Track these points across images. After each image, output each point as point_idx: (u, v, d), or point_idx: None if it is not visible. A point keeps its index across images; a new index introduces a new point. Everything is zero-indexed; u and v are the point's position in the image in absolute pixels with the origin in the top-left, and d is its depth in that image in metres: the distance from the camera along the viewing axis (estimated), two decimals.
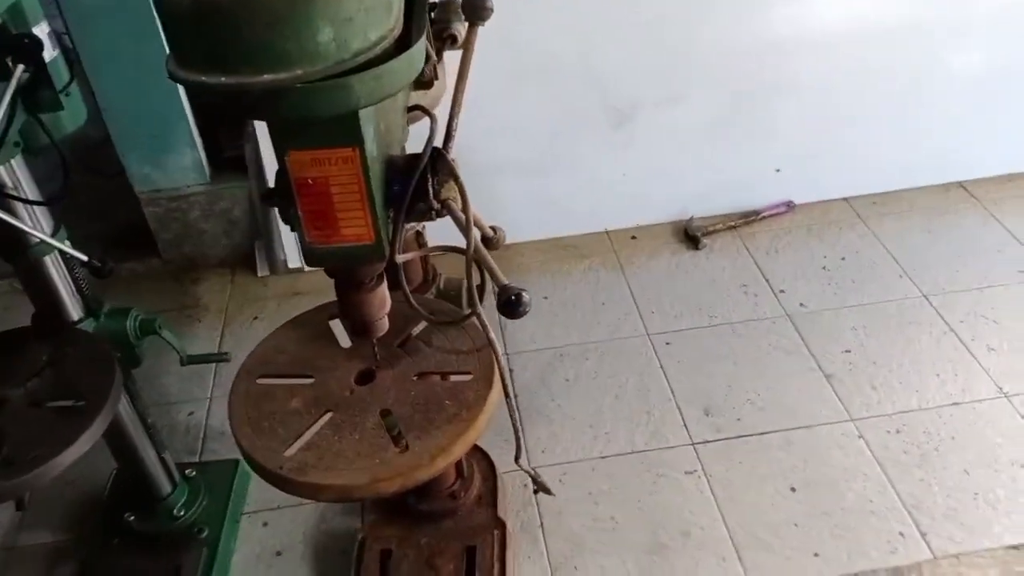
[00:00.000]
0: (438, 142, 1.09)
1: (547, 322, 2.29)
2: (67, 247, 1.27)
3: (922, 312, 2.23)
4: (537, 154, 2.42)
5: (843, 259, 2.43)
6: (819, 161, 2.56)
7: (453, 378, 1.23)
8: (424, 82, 1.34)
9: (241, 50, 0.82)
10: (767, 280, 2.38)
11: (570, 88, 2.32)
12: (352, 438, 1.16)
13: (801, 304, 2.29)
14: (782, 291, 2.33)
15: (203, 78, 0.84)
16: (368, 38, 0.87)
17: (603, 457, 1.93)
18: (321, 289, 2.45)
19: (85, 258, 1.28)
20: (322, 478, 1.11)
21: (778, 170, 2.56)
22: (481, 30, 2.22)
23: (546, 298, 2.37)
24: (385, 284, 1.14)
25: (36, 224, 1.38)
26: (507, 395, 1.14)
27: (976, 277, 2.32)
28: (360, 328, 1.15)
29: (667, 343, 2.21)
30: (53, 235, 1.40)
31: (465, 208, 1.04)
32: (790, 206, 2.60)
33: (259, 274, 2.53)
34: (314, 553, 1.79)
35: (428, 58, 1.19)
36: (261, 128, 2.28)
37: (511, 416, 1.17)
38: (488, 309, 1.53)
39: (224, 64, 0.83)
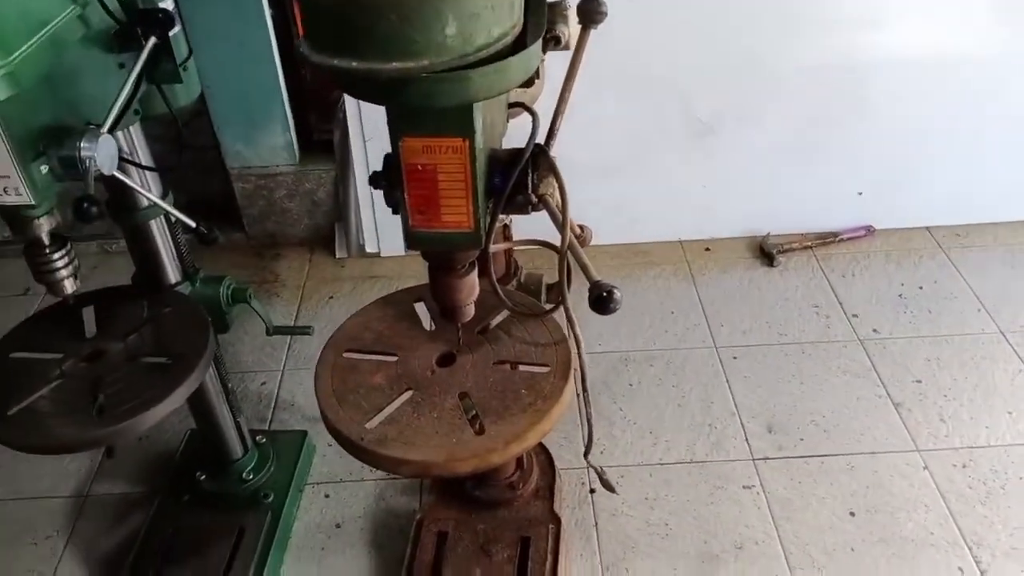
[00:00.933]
0: (540, 139, 1.12)
1: (614, 325, 2.31)
2: (180, 213, 1.34)
3: (998, 348, 2.19)
4: (615, 159, 2.44)
5: (920, 288, 2.40)
6: (902, 188, 2.53)
7: (531, 368, 1.27)
8: (527, 80, 1.38)
9: (374, 38, 0.86)
10: (840, 303, 2.36)
11: (653, 97, 2.34)
12: (431, 416, 1.20)
13: (874, 330, 2.26)
14: (855, 315, 2.31)
15: (335, 62, 0.88)
16: (491, 34, 0.90)
17: (662, 464, 1.94)
18: (395, 275, 2.51)
19: (194, 224, 1.35)
20: (402, 452, 1.15)
21: (860, 193, 2.54)
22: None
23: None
24: (475, 272, 1.17)
25: (147, 188, 1.45)
26: (585, 390, 1.17)
27: None
28: (448, 312, 1.19)
29: (734, 357, 2.21)
30: (162, 200, 1.47)
31: (563, 205, 1.07)
32: (870, 231, 2.57)
33: (337, 255, 2.60)
34: (372, 528, 1.84)
35: None
36: (352, 113, 2.34)
37: (587, 412, 1.20)
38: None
39: (357, 50, 0.87)
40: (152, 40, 1.21)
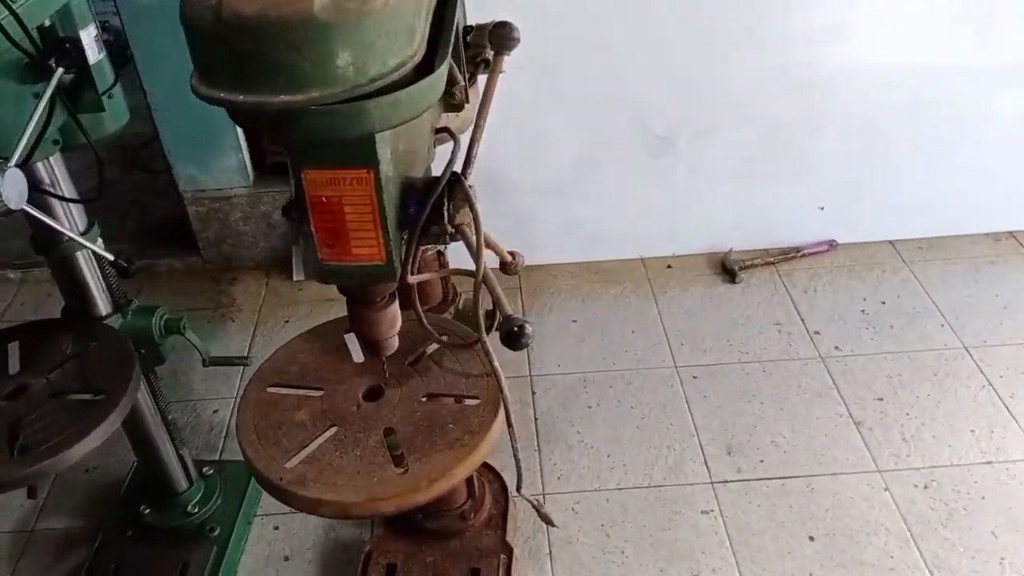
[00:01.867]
0: (458, 166, 1.08)
1: (574, 346, 2.28)
2: (95, 246, 1.30)
3: (961, 364, 2.16)
4: (571, 176, 2.41)
5: (883, 303, 2.37)
6: (865, 201, 2.50)
7: (460, 402, 1.23)
8: (455, 104, 1.34)
9: (260, 70, 0.83)
10: (802, 319, 2.33)
11: (607, 112, 2.31)
12: (353, 455, 1.16)
13: (836, 347, 2.23)
14: (817, 332, 2.28)
15: (222, 95, 0.85)
16: (387, 64, 0.87)
17: (619, 488, 1.90)
18: None
19: (111, 257, 1.31)
20: (320, 493, 1.11)
21: (822, 208, 2.51)
22: (516, 55, 2.23)
23: (575, 322, 2.36)
24: (396, 304, 1.14)
25: (70, 220, 1.41)
26: (509, 425, 1.13)
27: (1020, 332, 2.24)
28: (369, 346, 1.15)
29: (694, 377, 2.17)
30: (86, 232, 1.43)
31: (477, 235, 1.03)
32: (832, 245, 2.55)
33: (294, 278, 2.56)
34: (322, 560, 1.80)
35: (456, 82, 1.19)
36: None
37: (512, 446, 1.16)
38: None
39: (243, 82, 0.84)
40: (59, 71, 1.18)
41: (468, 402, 1.22)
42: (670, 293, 2.45)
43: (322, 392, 1.27)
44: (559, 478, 1.94)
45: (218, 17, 0.82)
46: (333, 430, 1.20)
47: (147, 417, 1.69)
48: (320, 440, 1.18)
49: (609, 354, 2.25)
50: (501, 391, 1.10)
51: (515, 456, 1.17)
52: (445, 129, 1.28)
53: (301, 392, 1.26)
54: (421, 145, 1.16)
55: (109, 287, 1.50)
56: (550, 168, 2.35)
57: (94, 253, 1.45)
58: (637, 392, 2.14)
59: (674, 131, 2.33)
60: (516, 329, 0.98)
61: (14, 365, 1.39)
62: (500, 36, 1.05)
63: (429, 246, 1.33)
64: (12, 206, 1.14)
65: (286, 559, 1.81)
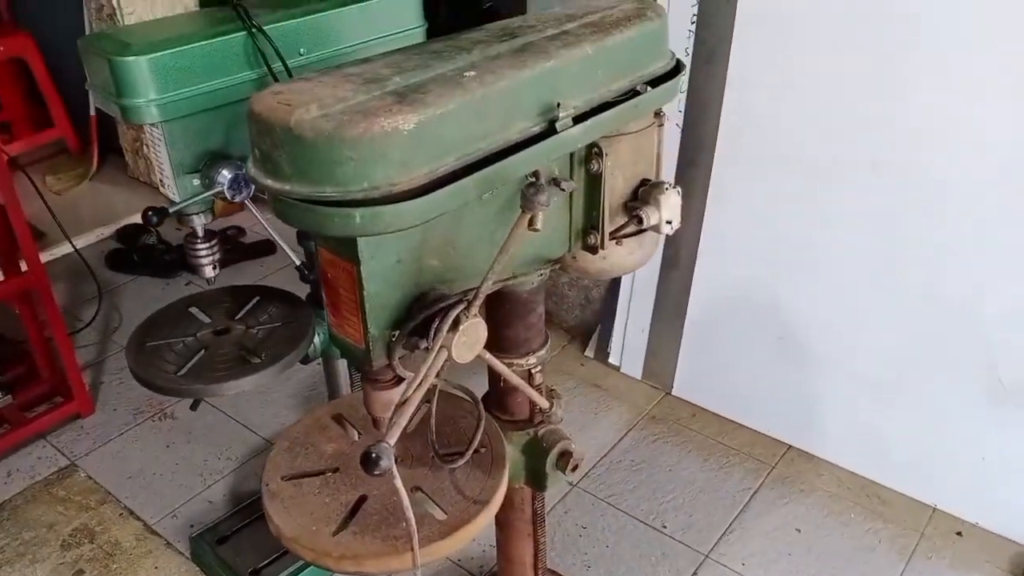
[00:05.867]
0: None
1: (772, 556, 2.00)
2: (287, 247, 1.62)
3: None
4: (877, 372, 2.09)
5: None
6: None
7: (431, 510, 1.26)
8: (590, 246, 1.36)
9: (259, 153, 1.01)
10: None
11: (948, 326, 1.96)
12: (322, 500, 1.27)
13: None
14: None
15: (247, 163, 1.05)
16: (359, 184, 0.97)
17: None
18: (615, 393, 2.49)
19: (298, 262, 1.62)
20: (274, 512, 1.25)
21: None
22: (864, 212, 1.96)
23: (798, 531, 2.06)
24: (395, 391, 1.21)
25: None
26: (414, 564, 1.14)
27: None
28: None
29: None
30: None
31: (423, 366, 1.07)
32: None
33: (585, 352, 2.67)
34: None
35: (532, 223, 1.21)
36: None
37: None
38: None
39: (255, 159, 1.03)
40: None
41: (436, 513, 1.25)
42: (934, 564, 1.97)
43: (359, 437, 1.40)
44: None
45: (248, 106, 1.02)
46: (332, 473, 1.33)
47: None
48: (316, 475, 1.32)
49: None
50: (411, 536, 1.11)
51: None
52: (552, 261, 1.31)
53: (351, 430, 1.41)
54: (478, 265, 1.20)
55: None
56: (867, 359, 2.08)
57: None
58: None
59: None
60: (373, 456, 1.00)
61: (241, 313, 1.80)
62: (524, 195, 1.05)
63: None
64: (235, 200, 1.50)
65: None
